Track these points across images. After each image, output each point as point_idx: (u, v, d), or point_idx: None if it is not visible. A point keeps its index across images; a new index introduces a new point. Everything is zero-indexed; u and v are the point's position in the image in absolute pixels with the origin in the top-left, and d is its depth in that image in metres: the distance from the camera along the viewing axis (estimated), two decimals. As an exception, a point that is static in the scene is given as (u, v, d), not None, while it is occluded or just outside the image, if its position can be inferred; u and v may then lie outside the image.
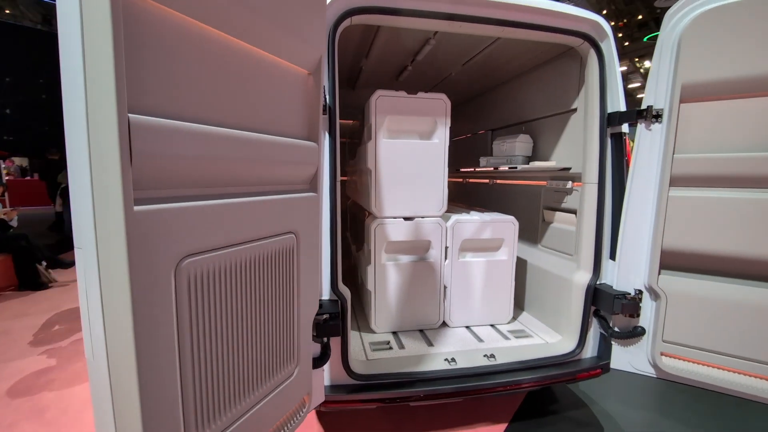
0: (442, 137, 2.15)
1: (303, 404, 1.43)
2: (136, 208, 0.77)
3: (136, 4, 0.76)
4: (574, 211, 2.23)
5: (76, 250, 0.84)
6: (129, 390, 0.83)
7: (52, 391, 2.27)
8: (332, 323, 1.54)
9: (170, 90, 0.85)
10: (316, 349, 1.54)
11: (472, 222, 2.25)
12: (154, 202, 0.81)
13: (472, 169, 2.90)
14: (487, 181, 3.32)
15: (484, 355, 1.95)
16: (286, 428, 1.32)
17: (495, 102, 3.18)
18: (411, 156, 2.12)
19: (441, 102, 2.12)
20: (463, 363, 1.88)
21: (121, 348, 0.81)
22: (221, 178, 0.99)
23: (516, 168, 2.33)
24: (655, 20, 14.21)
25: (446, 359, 1.91)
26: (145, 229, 0.79)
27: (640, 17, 15.10)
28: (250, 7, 0.98)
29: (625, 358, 1.90)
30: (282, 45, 1.13)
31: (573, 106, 2.17)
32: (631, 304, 1.80)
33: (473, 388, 1.77)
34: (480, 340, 2.17)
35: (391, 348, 2.05)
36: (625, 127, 1.91)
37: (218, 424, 1.02)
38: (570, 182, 2.25)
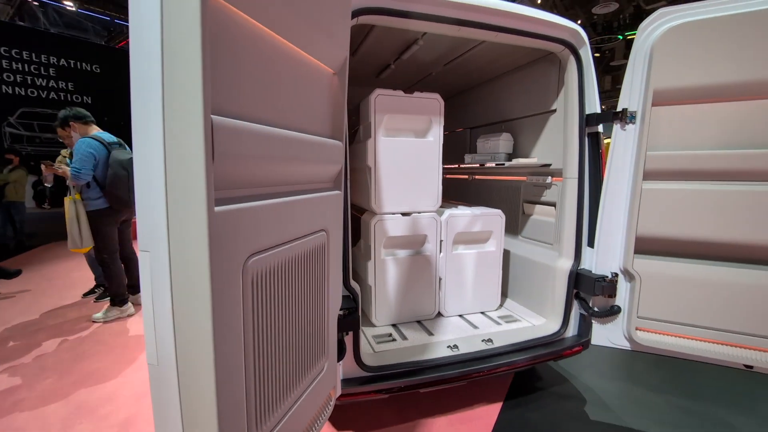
0: (436, 135, 2.24)
1: (329, 399, 1.45)
2: (216, 208, 0.77)
3: (212, 3, 0.76)
4: (553, 204, 2.42)
5: (141, 253, 0.82)
6: (203, 395, 0.82)
7: (23, 411, 2.07)
8: (350, 318, 1.58)
9: (236, 90, 0.84)
10: (334, 344, 1.57)
11: (464, 216, 2.37)
12: (228, 202, 0.81)
13: (456, 165, 3.03)
14: (466, 177, 3.49)
15: (482, 340, 2.08)
16: (317, 424, 1.34)
17: (473, 101, 3.33)
18: (408, 153, 2.19)
19: (435, 101, 2.21)
20: (464, 349, 2.00)
21: (196, 352, 0.80)
22: (275, 178, 1.00)
23: (503, 164, 2.49)
24: (592, 25, 15.41)
25: (449, 346, 2.02)
26: (222, 230, 0.79)
27: (579, 22, 16.33)
28: (295, 6, 0.99)
29: (604, 334, 2.12)
30: (317, 44, 1.15)
31: (552, 107, 2.36)
32: (610, 286, 2.01)
33: (477, 371, 1.89)
34: (475, 326, 2.31)
35: (394, 340, 2.12)
36: (600, 127, 2.12)
37: (270, 422, 1.04)
38: (549, 177, 2.44)
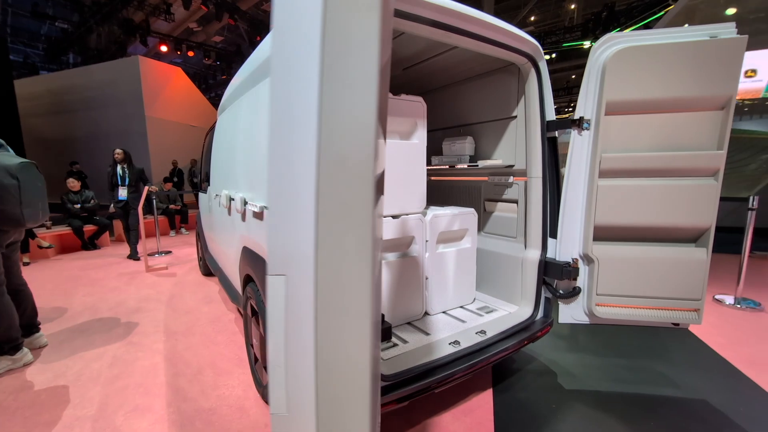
0: (421, 137, 2.28)
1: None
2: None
3: None
4: (515, 201, 2.68)
5: (272, 278, 0.67)
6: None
7: None
8: (385, 326, 1.52)
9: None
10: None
11: (446, 215, 2.46)
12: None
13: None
14: (422, 178, 3.60)
15: (476, 333, 2.20)
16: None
17: (430, 106, 3.46)
18: (398, 155, 2.18)
19: (419, 104, 2.25)
20: (465, 343, 2.08)
21: (348, 391, 0.69)
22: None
23: (477, 165, 2.65)
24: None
25: (450, 343, 2.07)
26: (377, 240, 0.69)
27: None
28: None
29: (568, 312, 2.41)
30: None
31: (513, 114, 2.60)
32: (575, 270, 2.30)
33: (481, 362, 1.99)
34: (462, 321, 2.41)
35: (396, 345, 2.09)
36: (557, 132, 2.42)
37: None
38: (511, 177, 2.69)
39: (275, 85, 0.62)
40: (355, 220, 0.65)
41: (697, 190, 2.12)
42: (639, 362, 2.65)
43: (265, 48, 2.27)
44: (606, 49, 2.11)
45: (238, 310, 3.65)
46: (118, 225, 7.03)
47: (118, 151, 5.51)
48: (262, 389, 2.19)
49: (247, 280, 2.38)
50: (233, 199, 2.43)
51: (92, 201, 6.40)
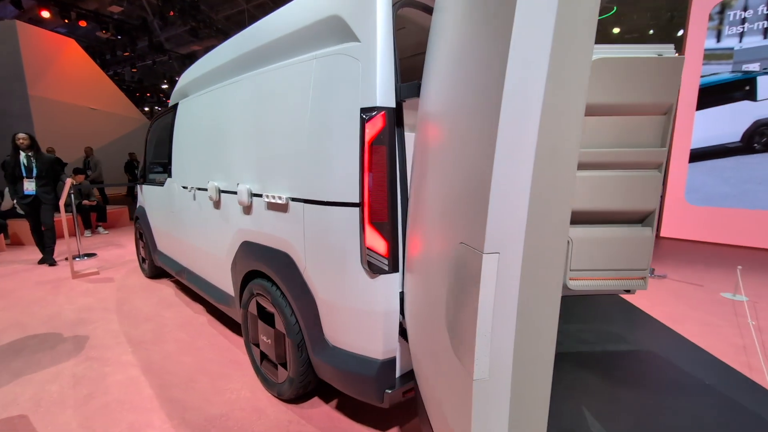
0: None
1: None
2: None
3: None
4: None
5: (487, 256, 0.74)
6: (536, 401, 0.82)
7: None
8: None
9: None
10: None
11: (444, 205, 2.61)
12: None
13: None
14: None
15: (479, 311, 2.40)
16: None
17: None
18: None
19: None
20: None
21: (538, 356, 0.80)
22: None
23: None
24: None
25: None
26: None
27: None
28: None
29: (545, 288, 2.77)
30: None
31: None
32: (553, 250, 2.65)
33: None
34: (461, 302, 2.60)
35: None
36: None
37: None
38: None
39: (510, 90, 0.68)
40: (557, 204, 0.75)
41: (645, 180, 2.59)
42: (594, 325, 3.14)
43: (266, 28, 2.14)
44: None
45: (209, 310, 3.39)
46: (13, 225, 5.84)
47: (21, 135, 4.57)
48: (278, 387, 2.12)
49: (250, 277, 2.25)
50: (234, 192, 2.26)
51: (-20, 197, 5.22)
